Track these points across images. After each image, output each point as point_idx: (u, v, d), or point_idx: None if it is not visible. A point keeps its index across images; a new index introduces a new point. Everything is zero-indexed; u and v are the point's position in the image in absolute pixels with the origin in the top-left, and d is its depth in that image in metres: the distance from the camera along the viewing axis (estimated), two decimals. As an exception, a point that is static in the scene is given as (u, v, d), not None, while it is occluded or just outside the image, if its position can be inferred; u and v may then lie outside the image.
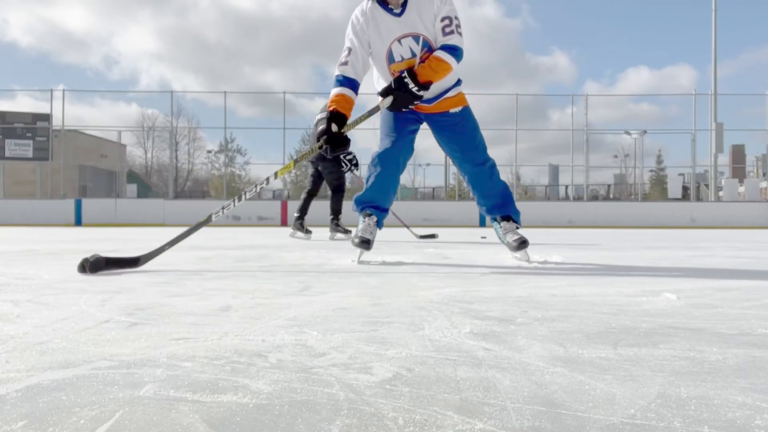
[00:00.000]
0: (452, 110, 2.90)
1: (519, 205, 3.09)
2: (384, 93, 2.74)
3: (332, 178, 6.24)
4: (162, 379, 0.87)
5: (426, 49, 2.71)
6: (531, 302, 1.65)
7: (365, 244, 2.90)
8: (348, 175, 6.54)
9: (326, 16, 74.92)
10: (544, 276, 2.38)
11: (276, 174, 2.91)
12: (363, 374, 0.90)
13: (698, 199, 19.72)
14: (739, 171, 28.50)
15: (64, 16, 75.42)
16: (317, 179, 6.35)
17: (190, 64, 65.98)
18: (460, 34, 2.68)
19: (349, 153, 6.11)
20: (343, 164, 6.14)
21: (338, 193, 6.28)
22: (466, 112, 2.95)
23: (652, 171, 33.49)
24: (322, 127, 2.65)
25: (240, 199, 2.80)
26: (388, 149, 2.88)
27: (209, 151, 32.43)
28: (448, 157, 3.15)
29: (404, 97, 2.68)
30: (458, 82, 2.94)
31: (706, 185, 21.25)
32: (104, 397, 0.79)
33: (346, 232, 6.06)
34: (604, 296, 1.77)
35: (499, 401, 0.78)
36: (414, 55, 2.71)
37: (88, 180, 25.84)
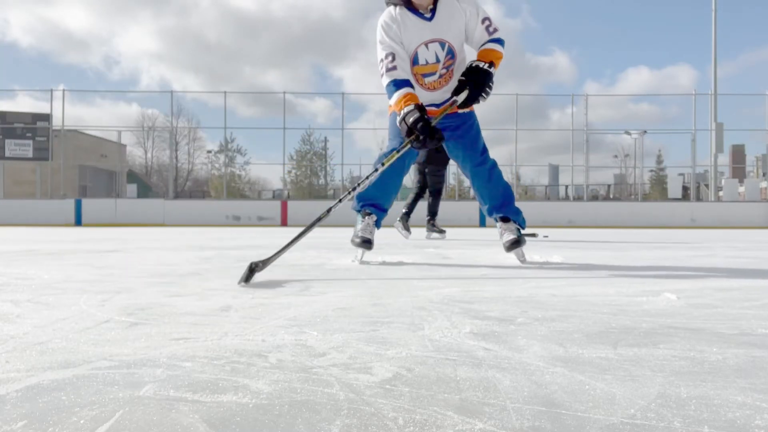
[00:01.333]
0: (461, 111, 2.92)
1: (518, 204, 3.08)
2: (457, 90, 2.73)
3: (435, 182, 6.60)
4: (162, 379, 0.87)
5: (449, 56, 2.79)
6: (531, 302, 1.65)
7: (367, 243, 2.92)
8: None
9: (326, 16, 74.94)
10: (544, 276, 2.38)
11: (383, 164, 2.85)
12: (363, 374, 0.90)
13: (698, 199, 19.72)
14: (739, 171, 28.49)
15: (64, 17, 75.42)
16: (424, 181, 6.65)
17: (191, 65, 65.96)
18: (498, 29, 2.80)
19: None
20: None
21: (437, 196, 6.67)
22: (473, 115, 3.00)
23: (652, 171, 33.47)
24: (413, 117, 2.58)
25: (353, 191, 2.84)
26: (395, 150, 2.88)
27: (209, 151, 32.43)
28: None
29: (479, 80, 2.66)
30: None
31: (706, 185, 21.25)
32: (104, 397, 0.79)
33: (441, 232, 6.53)
34: (604, 296, 1.77)
35: (499, 401, 0.78)
36: (438, 60, 2.79)
37: (88, 180, 25.85)
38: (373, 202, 2.99)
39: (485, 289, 1.94)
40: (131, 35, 68.62)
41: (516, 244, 2.90)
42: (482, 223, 14.26)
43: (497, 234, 3.12)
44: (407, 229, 6.36)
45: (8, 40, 68.67)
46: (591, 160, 19.31)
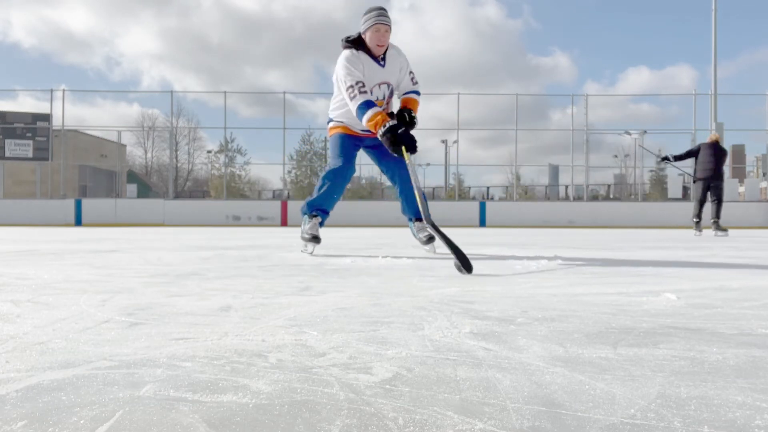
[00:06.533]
0: None
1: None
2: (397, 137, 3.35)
3: (719, 192, 8.25)
4: (162, 379, 0.87)
5: (390, 94, 3.59)
6: (531, 302, 1.65)
7: (316, 239, 3.55)
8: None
9: (328, 17, 74.99)
10: (544, 276, 2.38)
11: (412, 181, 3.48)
12: (363, 374, 0.90)
13: (698, 199, 19.67)
14: (739, 171, 28.48)
15: (66, 17, 75.42)
16: (705, 191, 8.33)
17: (192, 65, 65.95)
18: (417, 81, 3.67)
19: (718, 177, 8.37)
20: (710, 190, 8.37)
21: (720, 203, 8.29)
22: None
23: (652, 171, 33.44)
24: (401, 129, 3.17)
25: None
26: (343, 169, 3.56)
27: (209, 151, 32.35)
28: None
29: (410, 127, 3.39)
30: None
31: (707, 185, 21.18)
32: (104, 397, 0.79)
33: (725, 230, 7.99)
34: (604, 296, 1.77)
35: (499, 401, 0.78)
36: (384, 97, 3.55)
37: (88, 180, 25.85)
38: (322, 208, 3.64)
39: (485, 289, 1.94)
40: (133, 36, 68.62)
41: (432, 239, 3.63)
42: (482, 223, 14.27)
43: (412, 230, 3.84)
44: (698, 229, 8.22)
45: (10, 41, 68.69)
46: (591, 160, 19.27)
